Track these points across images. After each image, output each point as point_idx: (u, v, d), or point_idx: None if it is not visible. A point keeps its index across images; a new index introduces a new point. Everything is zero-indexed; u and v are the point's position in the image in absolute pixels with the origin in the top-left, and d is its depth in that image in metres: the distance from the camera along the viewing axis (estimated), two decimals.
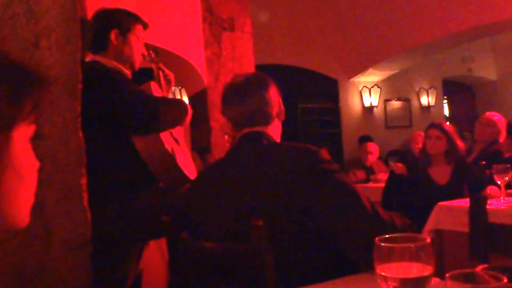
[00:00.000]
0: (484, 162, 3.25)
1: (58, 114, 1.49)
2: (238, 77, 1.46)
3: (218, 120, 4.06)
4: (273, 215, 1.19)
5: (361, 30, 7.17)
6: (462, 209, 2.36)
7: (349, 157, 7.20)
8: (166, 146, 1.90)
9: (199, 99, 4.23)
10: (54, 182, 1.48)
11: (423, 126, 4.21)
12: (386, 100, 8.02)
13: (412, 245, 0.74)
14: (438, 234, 2.70)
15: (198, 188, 1.46)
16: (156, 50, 2.23)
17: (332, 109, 7.61)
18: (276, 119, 1.44)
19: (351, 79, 7.66)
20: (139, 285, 1.99)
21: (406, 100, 8.28)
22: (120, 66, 1.98)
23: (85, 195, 1.55)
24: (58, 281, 1.48)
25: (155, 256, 2.24)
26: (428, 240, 0.76)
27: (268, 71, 1.55)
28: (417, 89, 8.43)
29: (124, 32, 1.99)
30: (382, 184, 3.59)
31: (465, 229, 1.91)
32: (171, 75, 2.25)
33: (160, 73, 2.21)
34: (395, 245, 0.75)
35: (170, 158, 1.91)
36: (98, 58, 1.97)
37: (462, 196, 2.90)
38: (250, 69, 4.25)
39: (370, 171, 5.33)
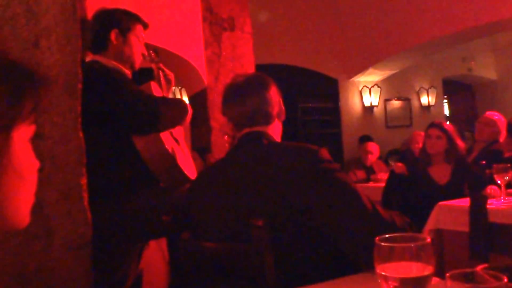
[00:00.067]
0: (484, 162, 3.25)
1: (58, 114, 1.49)
2: (239, 77, 1.46)
3: (218, 120, 4.06)
4: (274, 215, 1.19)
5: (361, 30, 7.17)
6: (462, 208, 2.36)
7: (349, 156, 7.20)
8: (166, 146, 1.90)
9: (199, 99, 4.23)
10: (54, 182, 1.48)
11: (423, 126, 4.20)
12: (386, 100, 8.02)
13: (413, 245, 0.74)
14: (438, 233, 2.70)
15: (198, 188, 1.46)
16: (156, 50, 2.24)
17: (332, 108, 7.61)
18: (276, 119, 1.44)
19: (351, 79, 7.66)
20: (140, 285, 1.99)
21: (406, 100, 8.28)
22: (120, 66, 1.98)
23: (85, 195, 1.55)
24: (58, 281, 1.48)
25: (155, 256, 2.24)
26: (428, 239, 0.76)
27: (268, 71, 1.55)
28: (417, 88, 8.44)
29: (124, 32, 1.99)
30: (382, 184, 3.59)
31: (465, 228, 1.91)
32: (171, 75, 2.25)
33: (160, 73, 2.21)
34: (396, 244, 0.75)
35: (170, 158, 1.91)
36: (98, 58, 1.97)
37: (462, 195, 2.89)
38: (250, 69, 4.25)
39: (370, 171, 5.33)
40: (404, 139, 6.89)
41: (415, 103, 8.40)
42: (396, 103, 8.15)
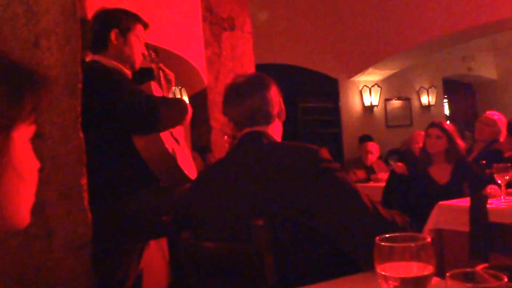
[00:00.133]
0: (484, 161, 3.25)
1: (58, 114, 1.49)
2: (239, 77, 1.46)
3: (218, 119, 4.06)
4: (273, 215, 1.19)
5: (361, 30, 7.17)
6: (462, 208, 2.36)
7: (349, 156, 7.20)
8: (166, 145, 1.90)
9: (199, 98, 4.23)
10: (54, 182, 1.48)
11: (423, 125, 4.20)
12: (387, 100, 8.01)
13: (413, 245, 0.74)
14: (438, 233, 2.70)
15: (198, 188, 1.46)
16: (156, 50, 2.23)
17: (332, 108, 7.60)
18: (276, 119, 1.44)
19: (351, 79, 7.65)
20: (140, 285, 1.99)
21: (407, 99, 8.28)
22: (120, 66, 1.98)
23: (85, 195, 1.55)
24: (59, 281, 1.48)
25: (155, 256, 2.24)
26: (429, 239, 0.76)
27: (268, 71, 1.55)
28: (417, 88, 8.43)
29: (124, 32, 1.99)
30: (383, 184, 3.59)
31: (466, 228, 1.91)
32: (171, 75, 2.25)
33: (160, 73, 2.21)
34: (396, 244, 0.75)
35: (170, 158, 1.91)
36: (98, 58, 1.97)
37: (462, 195, 2.89)
38: (250, 68, 4.25)
39: (370, 171, 5.33)
40: (404, 138, 6.89)
41: (415, 102, 8.40)
42: (396, 103, 8.15)
